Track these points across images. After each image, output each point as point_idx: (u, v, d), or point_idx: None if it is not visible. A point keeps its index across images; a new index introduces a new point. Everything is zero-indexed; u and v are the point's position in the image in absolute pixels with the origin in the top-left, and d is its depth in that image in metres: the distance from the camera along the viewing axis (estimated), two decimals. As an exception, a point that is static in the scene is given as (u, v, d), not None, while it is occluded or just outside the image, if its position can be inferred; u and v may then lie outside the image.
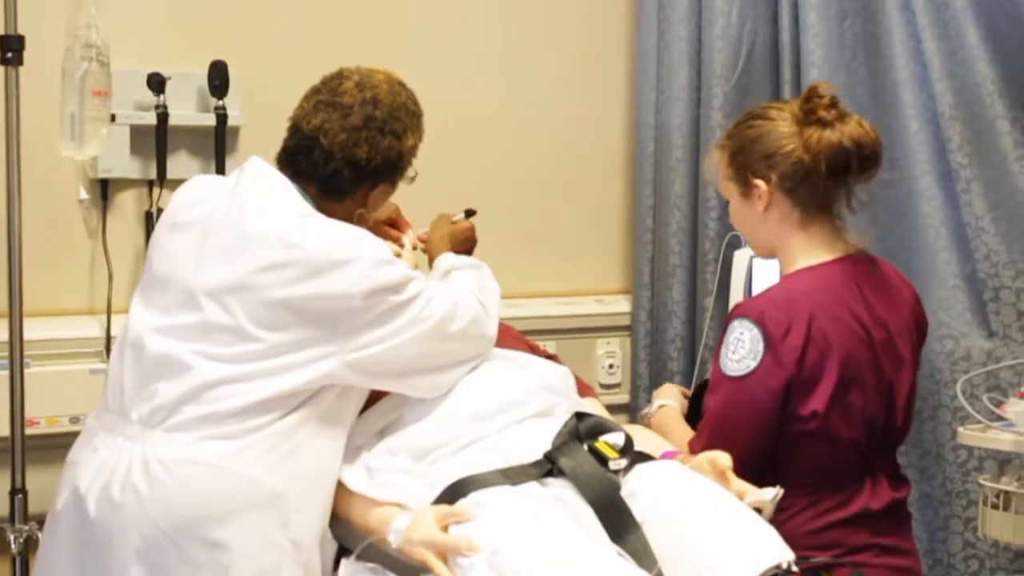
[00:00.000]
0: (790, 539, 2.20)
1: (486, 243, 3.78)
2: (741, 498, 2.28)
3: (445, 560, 2.11)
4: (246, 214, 2.39)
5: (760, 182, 2.60)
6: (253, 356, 2.31)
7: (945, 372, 3.44)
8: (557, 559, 2.02)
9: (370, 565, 2.25)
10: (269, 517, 2.29)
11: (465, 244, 2.94)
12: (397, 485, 2.33)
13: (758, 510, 2.24)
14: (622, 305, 3.98)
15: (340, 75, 2.55)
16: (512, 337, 2.86)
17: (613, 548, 2.11)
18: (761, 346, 2.49)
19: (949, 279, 3.46)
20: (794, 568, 2.06)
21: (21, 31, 2.91)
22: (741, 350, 2.52)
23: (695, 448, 2.54)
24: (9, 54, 2.90)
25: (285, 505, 2.30)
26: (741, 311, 2.56)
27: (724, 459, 2.34)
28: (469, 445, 2.40)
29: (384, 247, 2.44)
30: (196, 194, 2.52)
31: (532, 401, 2.52)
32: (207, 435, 2.28)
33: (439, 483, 2.28)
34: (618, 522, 2.19)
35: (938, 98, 3.42)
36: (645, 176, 3.91)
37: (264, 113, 3.43)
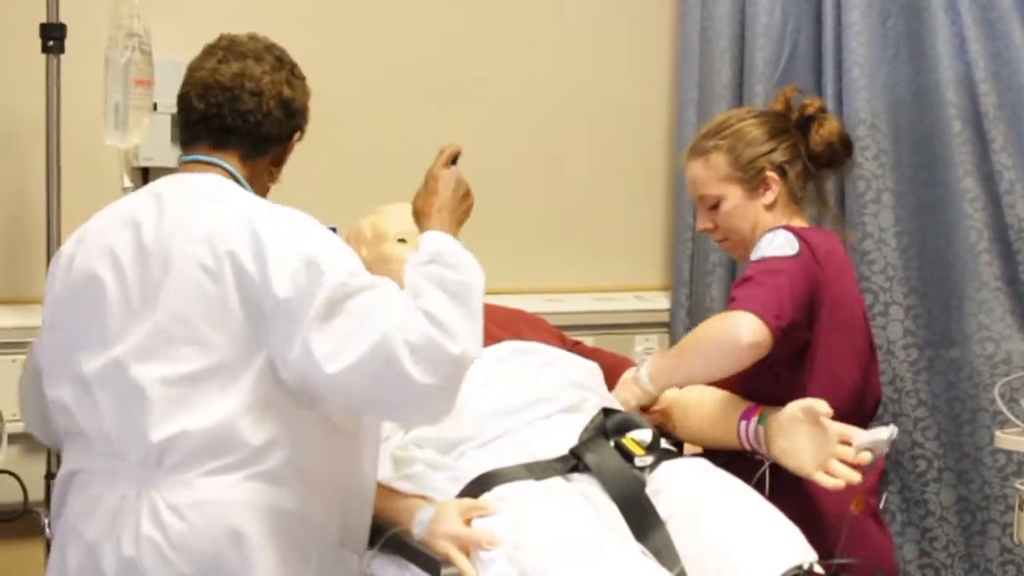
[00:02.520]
0: None
1: (528, 238, 3.81)
2: (846, 441, 2.28)
3: (467, 553, 2.12)
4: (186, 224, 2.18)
5: (773, 174, 2.73)
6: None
7: (984, 375, 3.42)
8: (578, 555, 2.02)
9: (393, 557, 2.26)
10: (289, 545, 2.13)
11: (449, 196, 2.42)
12: (422, 477, 2.34)
13: (869, 451, 2.24)
14: (661, 302, 3.97)
15: (221, 38, 2.42)
16: (544, 330, 2.86)
17: (636, 545, 2.12)
18: (796, 242, 2.58)
19: (991, 281, 3.44)
20: (816, 568, 2.06)
21: (63, 19, 2.94)
22: (776, 242, 2.59)
23: (739, 299, 2.50)
24: (51, 42, 2.92)
25: (304, 529, 2.15)
26: (770, 229, 2.66)
27: (821, 406, 2.33)
28: (495, 439, 2.40)
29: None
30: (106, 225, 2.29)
31: (560, 397, 2.52)
32: (209, 470, 2.10)
33: (464, 477, 2.29)
34: (642, 519, 2.19)
35: (982, 98, 3.40)
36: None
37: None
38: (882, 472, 2.73)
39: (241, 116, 2.30)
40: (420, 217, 2.36)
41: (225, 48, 2.37)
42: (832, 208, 2.92)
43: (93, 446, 2.20)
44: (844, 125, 2.82)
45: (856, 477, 2.26)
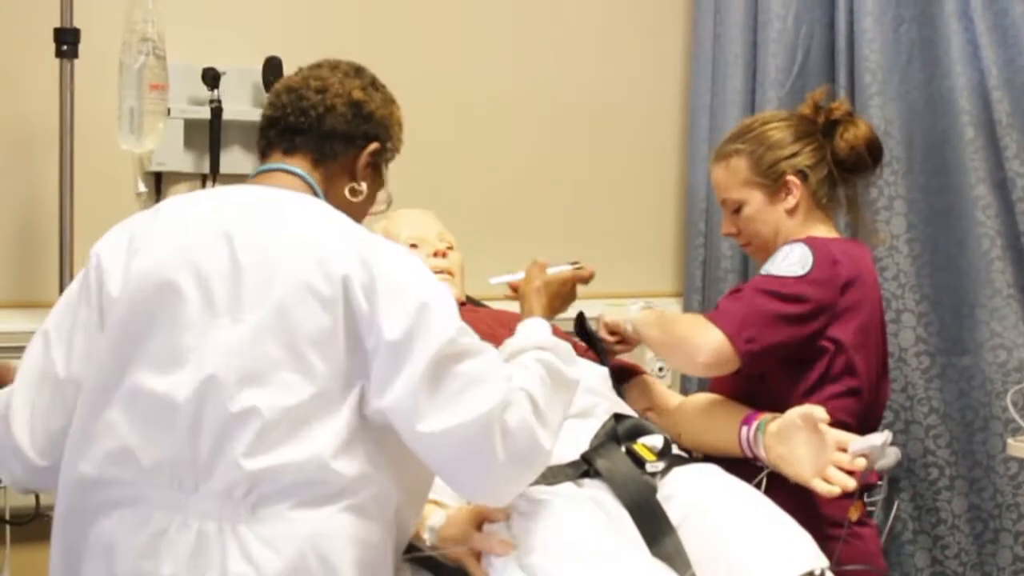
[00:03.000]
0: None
1: (538, 243, 3.80)
2: (843, 448, 2.26)
3: (478, 559, 2.12)
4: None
5: (795, 179, 2.69)
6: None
7: (997, 383, 3.42)
8: (589, 560, 2.01)
9: (405, 562, 2.25)
10: None
11: (561, 300, 2.56)
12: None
13: (864, 456, 2.23)
14: (673, 308, 3.97)
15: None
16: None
17: (646, 551, 2.11)
18: (810, 260, 2.55)
19: (1003, 289, 3.44)
20: (828, 574, 2.05)
21: (77, 24, 2.95)
22: (791, 259, 2.57)
23: (717, 313, 2.55)
24: (65, 47, 2.94)
25: (383, 561, 2.06)
26: (790, 241, 2.64)
27: (819, 412, 2.31)
28: (506, 444, 2.40)
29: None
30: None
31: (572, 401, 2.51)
32: (302, 501, 1.97)
33: (475, 481, 2.28)
34: (653, 525, 2.18)
35: (995, 105, 3.40)
36: (698, 179, 3.90)
37: (317, 110, 3.46)
38: (891, 480, 2.73)
39: (303, 112, 2.19)
40: (533, 300, 2.46)
41: (308, 65, 2.29)
42: (862, 215, 2.85)
43: (142, 471, 2.01)
44: (874, 133, 2.77)
45: (851, 483, 2.25)
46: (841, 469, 2.26)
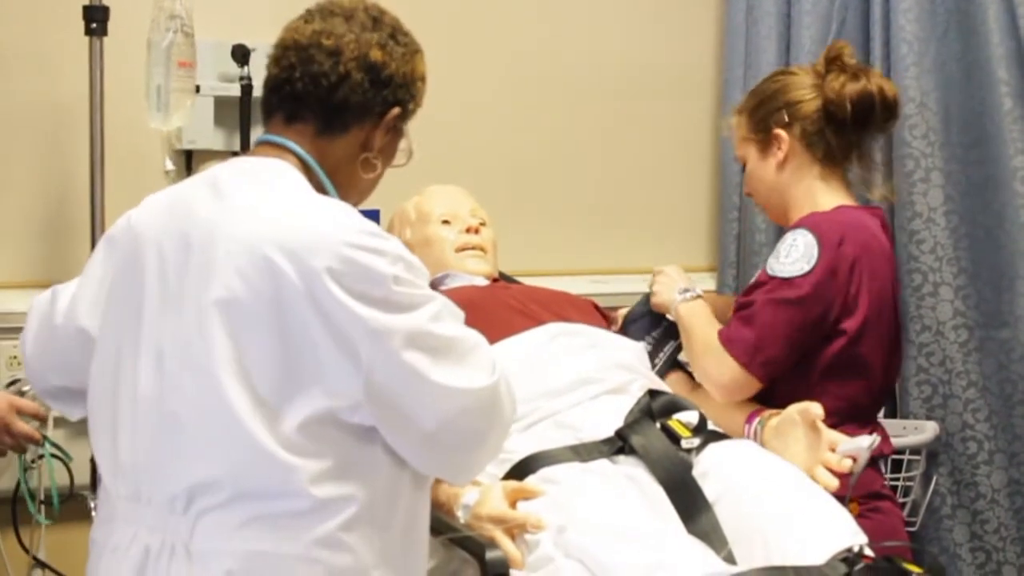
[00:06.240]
0: None
1: (572, 219, 3.78)
2: (833, 448, 2.25)
3: (512, 536, 2.10)
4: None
5: (781, 131, 2.66)
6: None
7: (1036, 355, 3.39)
8: (624, 538, 2.00)
9: (438, 539, 2.25)
10: None
11: None
12: (467, 460, 2.32)
13: (852, 459, 2.21)
14: (707, 283, 3.94)
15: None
16: (590, 313, 2.84)
17: (682, 528, 2.10)
18: (815, 251, 2.52)
19: (1042, 259, 3.40)
20: (867, 552, 2.02)
21: (105, 2, 2.96)
22: (795, 253, 2.54)
23: (729, 336, 2.55)
24: (94, 24, 2.94)
25: None
26: (795, 225, 2.61)
27: (816, 409, 2.30)
28: (541, 421, 2.39)
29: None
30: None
31: (606, 378, 2.50)
32: (246, 520, 1.78)
33: (509, 459, 2.27)
34: (689, 502, 2.17)
35: (1033, 75, 3.36)
36: (731, 153, 3.86)
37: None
38: (930, 455, 2.69)
39: (312, 79, 1.93)
40: None
41: (318, 8, 2.01)
42: (870, 174, 2.80)
43: (114, 479, 1.90)
44: (869, 88, 2.67)
45: (834, 483, 2.23)
46: (829, 470, 2.25)
